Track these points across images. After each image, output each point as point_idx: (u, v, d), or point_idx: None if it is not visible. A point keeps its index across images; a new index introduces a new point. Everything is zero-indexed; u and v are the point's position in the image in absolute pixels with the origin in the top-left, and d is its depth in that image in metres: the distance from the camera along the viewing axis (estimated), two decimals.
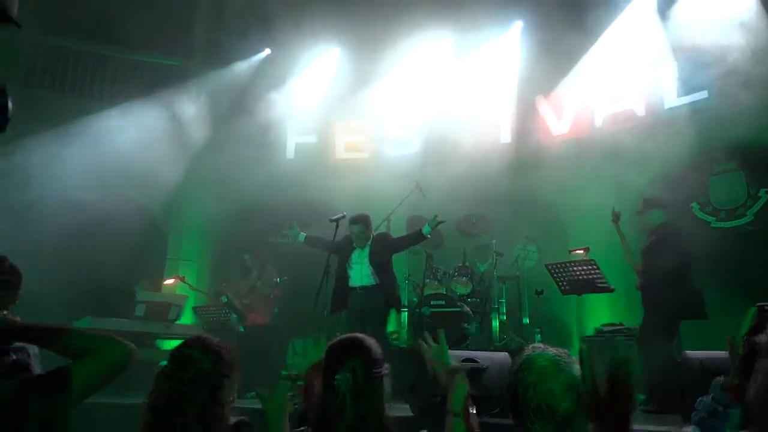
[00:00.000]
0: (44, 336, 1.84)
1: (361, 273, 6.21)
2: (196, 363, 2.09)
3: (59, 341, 1.81)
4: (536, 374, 1.65)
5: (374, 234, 6.46)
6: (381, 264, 6.20)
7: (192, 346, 2.16)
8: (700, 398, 2.15)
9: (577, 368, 1.66)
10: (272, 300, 7.32)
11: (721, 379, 2.08)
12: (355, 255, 6.28)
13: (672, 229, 5.58)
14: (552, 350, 1.73)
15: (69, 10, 9.48)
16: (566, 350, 1.78)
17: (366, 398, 2.00)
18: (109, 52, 10.27)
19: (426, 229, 6.18)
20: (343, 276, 6.27)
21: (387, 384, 2.15)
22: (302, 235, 6.59)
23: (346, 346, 2.16)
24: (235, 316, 6.43)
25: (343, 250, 6.33)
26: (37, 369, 2.02)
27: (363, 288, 6.16)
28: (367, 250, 6.26)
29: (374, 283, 6.15)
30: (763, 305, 1.56)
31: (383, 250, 6.28)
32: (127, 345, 1.86)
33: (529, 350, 1.77)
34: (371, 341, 2.20)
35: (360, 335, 2.25)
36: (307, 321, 7.80)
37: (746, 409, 1.41)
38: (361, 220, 6.28)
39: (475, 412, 2.17)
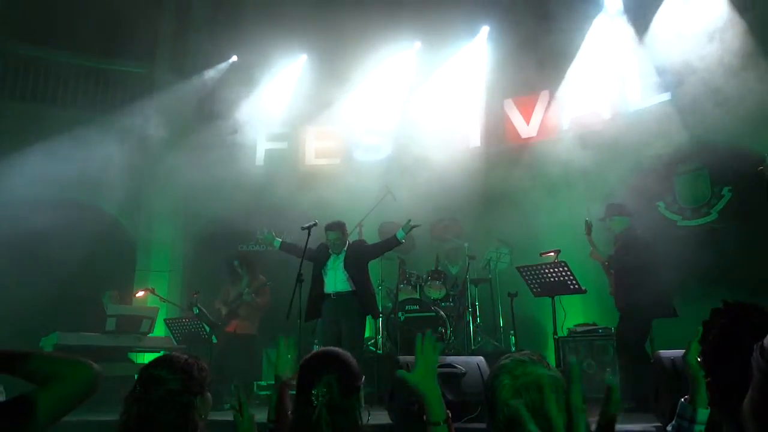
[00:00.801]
0: (5, 362, 1.73)
1: (335, 279, 6.17)
2: (164, 383, 2.05)
3: (22, 367, 1.71)
4: (494, 375, 1.66)
5: (350, 241, 6.43)
6: (357, 270, 6.16)
7: (158, 366, 2.12)
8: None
9: (543, 367, 1.67)
10: (259, 308, 7.23)
11: (686, 398, 2.13)
12: (330, 261, 6.25)
13: (635, 234, 5.72)
14: (526, 352, 1.75)
15: (27, 16, 9.29)
16: (539, 353, 1.79)
17: (342, 413, 1.99)
18: (71, 60, 10.06)
19: (400, 234, 6.17)
20: (318, 283, 6.23)
21: (362, 396, 2.15)
22: (277, 241, 6.52)
23: (321, 361, 2.14)
24: (208, 328, 6.34)
25: (318, 258, 6.30)
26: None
27: (337, 294, 6.11)
28: (342, 256, 6.23)
29: (349, 290, 6.10)
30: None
31: (359, 257, 6.25)
32: (93, 368, 1.76)
33: (504, 358, 1.78)
34: (347, 355, 2.18)
35: (335, 349, 2.23)
36: (281, 330, 7.74)
37: (717, 414, 1.43)
38: (337, 227, 6.27)
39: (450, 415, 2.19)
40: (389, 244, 6.36)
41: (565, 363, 6.44)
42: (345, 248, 6.28)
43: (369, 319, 8.35)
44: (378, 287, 8.07)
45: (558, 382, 1.66)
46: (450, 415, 2.18)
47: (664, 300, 5.66)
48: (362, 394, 2.15)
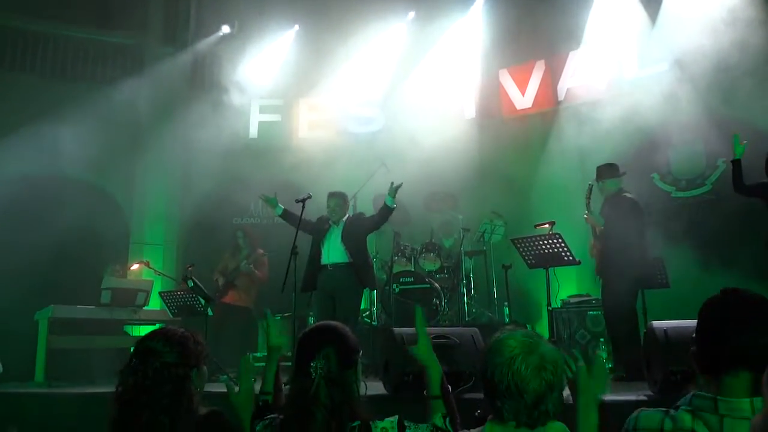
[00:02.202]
0: None
1: (332, 250, 6.14)
2: (159, 356, 2.06)
3: None
4: (505, 356, 1.68)
5: (350, 214, 6.41)
6: (354, 242, 6.14)
7: (154, 339, 2.13)
8: None
9: (547, 348, 1.70)
10: (257, 280, 7.26)
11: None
12: (329, 233, 6.23)
13: (624, 197, 5.65)
14: (522, 331, 1.77)
15: None
16: (535, 331, 1.84)
17: (339, 386, 2.00)
18: (60, 31, 9.89)
19: (389, 200, 6.08)
20: (315, 254, 6.22)
21: (360, 369, 2.15)
22: (280, 207, 6.39)
23: (320, 334, 2.14)
24: (203, 300, 6.35)
25: (318, 229, 6.29)
26: None
27: (334, 265, 6.09)
28: (341, 227, 6.21)
29: (346, 261, 6.09)
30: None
31: (357, 229, 6.23)
32: None
33: (499, 333, 1.79)
34: (344, 328, 2.18)
35: (333, 323, 2.23)
36: (277, 303, 7.79)
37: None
38: (339, 195, 6.29)
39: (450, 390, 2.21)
40: (383, 214, 6.29)
41: (559, 335, 6.51)
42: (344, 219, 6.26)
43: (365, 292, 8.40)
44: (373, 259, 8.08)
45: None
46: (450, 389, 2.21)
47: (652, 270, 5.69)
48: (360, 366, 2.16)
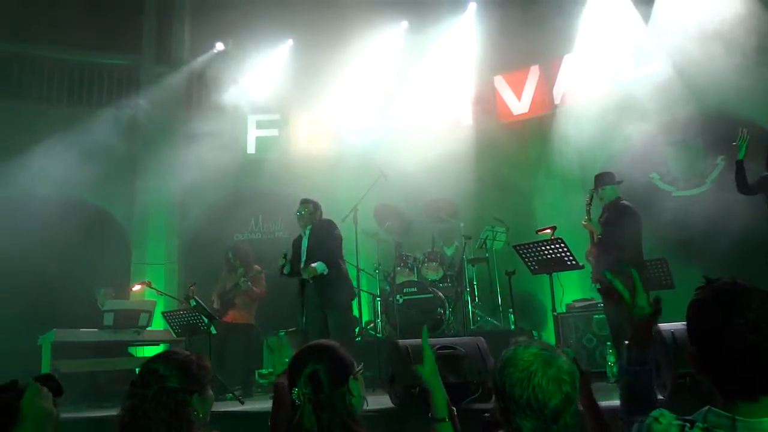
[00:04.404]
0: None
1: (305, 262, 5.85)
2: (160, 379, 2.03)
3: None
4: (523, 370, 1.63)
5: (317, 219, 6.06)
6: (321, 253, 5.79)
7: (157, 362, 2.10)
8: None
9: (563, 360, 1.66)
10: (255, 297, 7.22)
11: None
12: (302, 244, 6.04)
13: (624, 204, 5.66)
14: (536, 344, 1.72)
15: (8, 12, 9.13)
16: (549, 343, 1.79)
17: (329, 407, 1.93)
18: (55, 54, 9.93)
19: (319, 267, 5.69)
20: (297, 269, 5.92)
21: (360, 384, 2.08)
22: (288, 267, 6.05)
23: (305, 356, 2.07)
24: (206, 319, 6.31)
25: (294, 244, 6.15)
26: None
27: (313, 279, 5.75)
28: (307, 236, 6.00)
29: (318, 273, 5.71)
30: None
31: (322, 241, 5.88)
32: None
33: (512, 345, 1.75)
34: (334, 345, 2.12)
35: (321, 342, 2.18)
36: (279, 318, 7.75)
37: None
38: (309, 201, 6.07)
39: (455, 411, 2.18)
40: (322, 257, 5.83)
41: (566, 339, 6.46)
42: (309, 227, 6.01)
43: (368, 302, 8.36)
44: (375, 270, 8.05)
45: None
46: (455, 413, 2.18)
47: (654, 273, 5.66)
48: (361, 380, 2.10)
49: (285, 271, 5.98)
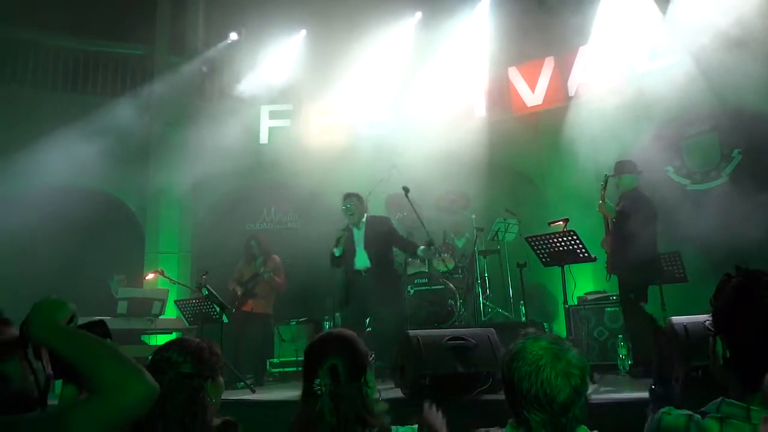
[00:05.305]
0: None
1: (359, 255, 6.07)
2: (174, 366, 2.04)
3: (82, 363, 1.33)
4: (532, 363, 1.62)
5: (368, 215, 6.28)
6: (377, 247, 6.04)
7: (170, 349, 2.11)
8: None
9: (573, 354, 1.65)
10: (277, 287, 7.26)
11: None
12: (355, 237, 6.16)
13: (641, 194, 5.64)
14: (546, 337, 1.71)
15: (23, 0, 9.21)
16: (559, 336, 1.77)
17: (347, 399, 1.95)
18: (70, 44, 9.99)
19: (420, 251, 6.09)
20: (349, 262, 6.13)
21: (372, 375, 2.09)
22: (340, 249, 6.15)
23: (324, 346, 2.08)
24: (218, 308, 6.34)
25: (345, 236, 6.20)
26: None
27: (367, 270, 6.01)
28: (362, 229, 6.14)
29: (369, 266, 6.02)
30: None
31: (380, 235, 6.11)
32: (154, 385, 1.35)
33: (521, 338, 1.73)
34: (352, 336, 2.13)
35: (338, 331, 2.18)
36: (294, 308, 7.77)
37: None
38: (354, 195, 6.22)
39: None
40: (408, 252, 6.44)
41: (576, 332, 6.44)
42: (364, 220, 6.17)
43: None
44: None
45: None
46: None
47: (667, 266, 5.63)
48: (372, 371, 2.11)
49: (336, 254, 6.09)
